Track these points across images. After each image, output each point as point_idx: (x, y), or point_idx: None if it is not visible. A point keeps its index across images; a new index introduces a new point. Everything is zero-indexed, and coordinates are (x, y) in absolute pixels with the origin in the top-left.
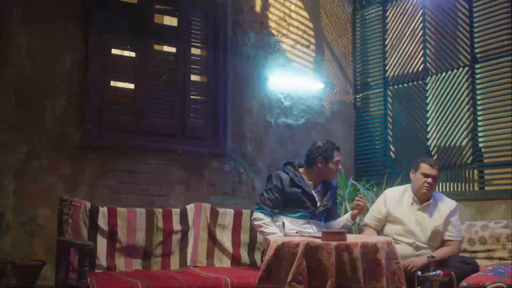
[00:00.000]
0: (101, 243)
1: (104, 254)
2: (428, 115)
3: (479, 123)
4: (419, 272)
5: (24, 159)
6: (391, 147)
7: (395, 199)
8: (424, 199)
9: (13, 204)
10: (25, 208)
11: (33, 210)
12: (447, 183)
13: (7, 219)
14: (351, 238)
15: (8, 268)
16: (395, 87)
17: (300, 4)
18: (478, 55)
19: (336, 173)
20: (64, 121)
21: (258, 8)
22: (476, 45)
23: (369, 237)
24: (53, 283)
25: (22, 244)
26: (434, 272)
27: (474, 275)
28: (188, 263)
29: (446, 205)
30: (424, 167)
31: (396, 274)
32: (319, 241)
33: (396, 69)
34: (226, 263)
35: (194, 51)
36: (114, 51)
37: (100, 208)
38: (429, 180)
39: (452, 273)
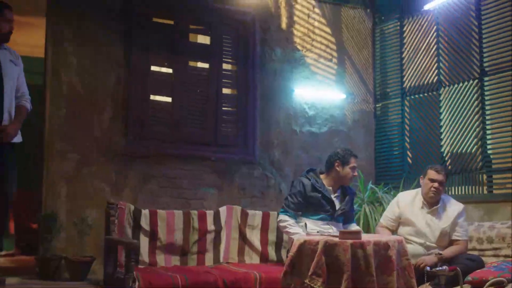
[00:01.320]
0: (144, 242)
1: (147, 251)
2: (441, 123)
3: (488, 132)
4: (428, 268)
5: (75, 166)
6: (408, 153)
7: (407, 202)
8: (432, 203)
9: (66, 206)
10: (76, 210)
11: (83, 212)
12: (459, 187)
13: (61, 220)
14: (365, 237)
15: (62, 263)
16: (412, 97)
17: (323, 20)
18: (486, 69)
19: (352, 178)
20: (110, 132)
21: (284, 25)
22: (485, 60)
23: (382, 236)
24: (102, 276)
25: (74, 242)
26: (441, 268)
27: (478, 270)
28: (221, 260)
29: (454, 207)
30: (431, 173)
31: (407, 269)
32: (336, 239)
33: (413, 80)
34: (255, 259)
35: (225, 66)
36: (153, 68)
37: (143, 210)
38: (435, 185)
39: (458, 268)
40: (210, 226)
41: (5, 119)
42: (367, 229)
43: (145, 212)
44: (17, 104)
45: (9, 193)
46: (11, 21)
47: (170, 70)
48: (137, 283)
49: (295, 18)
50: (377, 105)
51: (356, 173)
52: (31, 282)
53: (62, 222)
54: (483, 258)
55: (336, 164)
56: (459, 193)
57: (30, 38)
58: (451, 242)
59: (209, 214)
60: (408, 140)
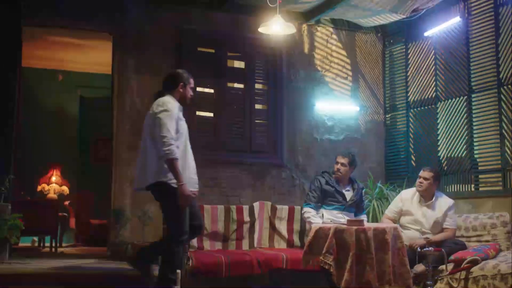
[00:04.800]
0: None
1: (195, 238)
2: (438, 132)
3: (475, 139)
4: (419, 249)
5: None
6: (412, 157)
7: (408, 197)
8: (426, 197)
9: (131, 202)
10: (139, 205)
11: (144, 207)
12: (452, 185)
13: (127, 214)
14: (367, 225)
15: (129, 248)
16: (415, 109)
17: (339, 45)
18: (474, 88)
19: (337, 171)
20: None
21: (306, 50)
22: (472, 80)
23: (381, 224)
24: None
25: (137, 231)
26: (427, 249)
27: (460, 251)
28: (255, 245)
29: (446, 202)
30: (420, 172)
31: (401, 250)
32: (344, 226)
33: (416, 95)
34: (283, 245)
35: (257, 86)
36: (198, 88)
37: None
38: (420, 179)
39: (442, 249)
40: (246, 218)
41: None
42: (376, 220)
43: None
44: None
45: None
46: (194, 88)
47: (212, 90)
48: (190, 261)
49: (316, 44)
50: (387, 116)
51: (339, 166)
52: (106, 262)
53: (128, 215)
54: (469, 243)
55: None
56: (453, 190)
57: (98, 57)
58: (442, 230)
59: (245, 208)
60: (412, 146)
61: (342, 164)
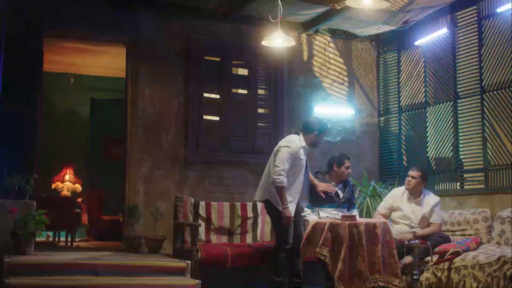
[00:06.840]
0: (201, 225)
1: (203, 232)
2: (427, 134)
3: (460, 141)
4: (407, 242)
5: (149, 170)
6: (404, 157)
7: (398, 195)
8: (414, 194)
9: (143, 200)
10: (151, 202)
11: (156, 204)
12: (439, 183)
13: (140, 210)
14: (359, 220)
15: (142, 241)
16: (407, 113)
17: (336, 52)
18: (460, 94)
19: (348, 175)
20: (175, 145)
21: (305, 58)
22: (458, 86)
23: (372, 219)
24: (170, 251)
25: (150, 226)
26: (414, 241)
27: (444, 244)
28: (258, 239)
29: (432, 199)
30: (409, 172)
31: (390, 243)
32: (338, 221)
33: (407, 100)
34: None
35: (260, 92)
36: (205, 94)
37: (200, 202)
38: (408, 178)
39: (428, 242)
40: (250, 213)
41: None
42: (369, 215)
43: (202, 203)
44: None
45: None
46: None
47: (218, 96)
48: (199, 253)
49: (314, 52)
50: (380, 119)
51: (350, 171)
52: (123, 254)
53: (141, 211)
54: (454, 237)
55: (334, 165)
56: (440, 188)
57: (108, 62)
58: (429, 224)
59: (249, 204)
60: (403, 147)
61: (350, 167)
